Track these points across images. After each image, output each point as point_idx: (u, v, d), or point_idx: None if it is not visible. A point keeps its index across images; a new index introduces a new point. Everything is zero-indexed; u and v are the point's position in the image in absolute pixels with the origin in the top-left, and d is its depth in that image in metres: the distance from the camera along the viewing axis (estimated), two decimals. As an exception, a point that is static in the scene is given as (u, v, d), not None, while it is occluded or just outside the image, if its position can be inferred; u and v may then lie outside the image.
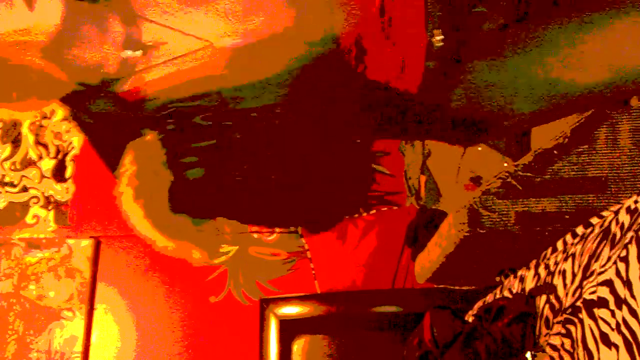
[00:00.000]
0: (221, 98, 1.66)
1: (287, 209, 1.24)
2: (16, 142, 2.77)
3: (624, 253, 0.99)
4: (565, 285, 1.16)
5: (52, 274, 2.62)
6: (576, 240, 1.24)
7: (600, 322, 1.00)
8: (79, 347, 2.53)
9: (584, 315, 1.04)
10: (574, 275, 1.15)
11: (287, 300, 2.42)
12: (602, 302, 1.01)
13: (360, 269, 2.49)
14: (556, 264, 1.24)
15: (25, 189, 2.73)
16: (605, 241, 1.10)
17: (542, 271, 1.29)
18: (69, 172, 2.71)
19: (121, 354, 2.57)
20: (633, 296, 0.96)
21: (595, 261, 1.09)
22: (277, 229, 2.66)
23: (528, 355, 1.18)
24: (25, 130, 2.76)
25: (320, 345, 2.37)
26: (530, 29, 1.14)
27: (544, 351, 1.14)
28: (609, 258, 1.04)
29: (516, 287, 1.39)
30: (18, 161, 2.75)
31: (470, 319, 1.39)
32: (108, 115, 2.03)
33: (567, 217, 1.50)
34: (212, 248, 1.13)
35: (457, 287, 2.11)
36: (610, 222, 1.12)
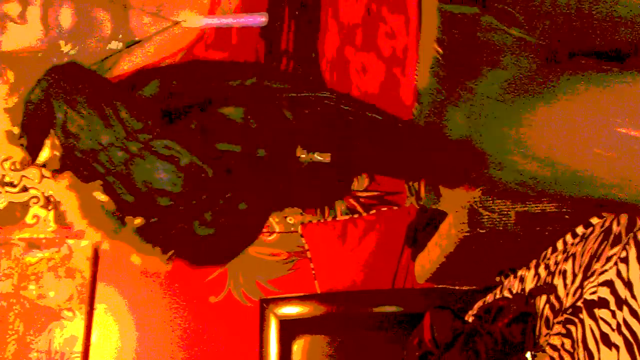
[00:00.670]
0: None
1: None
2: (16, 142, 2.77)
3: (624, 254, 1.00)
4: (565, 285, 1.16)
5: (52, 274, 2.62)
6: (576, 240, 1.24)
7: (601, 323, 1.00)
8: (79, 347, 2.53)
9: (584, 315, 1.04)
10: (574, 275, 1.15)
11: (287, 300, 2.42)
12: (603, 303, 1.01)
13: (360, 269, 2.49)
14: (556, 264, 1.24)
15: (25, 189, 2.73)
16: (606, 242, 1.10)
17: (542, 271, 1.29)
18: (69, 172, 2.71)
19: (121, 354, 2.56)
20: (634, 297, 0.96)
21: (597, 261, 1.09)
22: (277, 230, 2.67)
23: (528, 355, 1.18)
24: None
25: (320, 345, 2.36)
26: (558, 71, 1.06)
27: (544, 351, 1.14)
28: (610, 258, 1.04)
29: (516, 287, 1.39)
30: (18, 161, 2.75)
31: (470, 319, 1.39)
32: None
33: (567, 217, 1.49)
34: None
35: (457, 287, 2.10)
36: (611, 222, 1.12)
